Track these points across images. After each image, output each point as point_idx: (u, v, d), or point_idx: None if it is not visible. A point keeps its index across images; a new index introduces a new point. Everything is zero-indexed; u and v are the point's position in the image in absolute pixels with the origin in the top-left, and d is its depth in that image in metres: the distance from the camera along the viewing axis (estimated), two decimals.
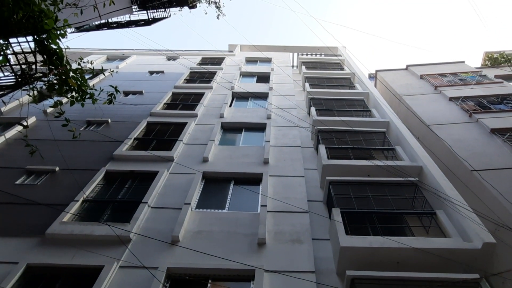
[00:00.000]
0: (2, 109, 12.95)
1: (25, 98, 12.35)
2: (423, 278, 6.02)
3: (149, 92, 15.82)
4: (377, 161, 9.34)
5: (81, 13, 5.59)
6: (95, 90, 5.53)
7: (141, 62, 21.50)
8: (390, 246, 6.47)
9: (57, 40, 4.48)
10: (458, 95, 14.57)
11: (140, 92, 15.81)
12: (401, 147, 10.51)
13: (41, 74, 4.96)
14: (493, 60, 20.26)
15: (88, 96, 5.30)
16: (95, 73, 17.53)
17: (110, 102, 5.90)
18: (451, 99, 14.49)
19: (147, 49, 23.46)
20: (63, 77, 4.67)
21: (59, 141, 10.35)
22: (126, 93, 15.79)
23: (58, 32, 4.45)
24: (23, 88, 5.06)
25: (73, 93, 5.08)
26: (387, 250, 6.48)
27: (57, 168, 9.53)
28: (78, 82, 4.98)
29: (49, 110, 12.81)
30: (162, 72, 19.18)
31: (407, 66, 19.81)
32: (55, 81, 4.82)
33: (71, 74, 4.86)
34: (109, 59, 22.53)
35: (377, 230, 7.24)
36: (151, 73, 19.17)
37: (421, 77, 17.75)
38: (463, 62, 19.50)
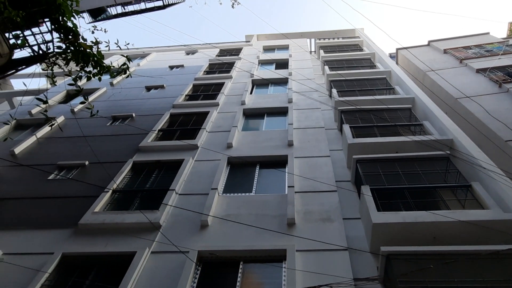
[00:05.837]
0: (32, 111, 13.40)
1: (55, 98, 12.70)
2: (464, 251, 5.63)
3: (171, 85, 15.96)
4: (405, 137, 9.04)
5: None
6: (113, 66, 5.58)
7: (161, 59, 21.70)
8: (425, 220, 6.23)
9: (72, 18, 4.54)
10: (486, 66, 13.93)
11: (162, 86, 15.95)
12: (429, 121, 10.12)
13: (57, 50, 5.03)
14: None
15: (106, 70, 5.35)
16: (117, 71, 17.82)
17: (125, 72, 5.91)
18: (478, 71, 13.86)
19: (166, 46, 23.65)
20: (78, 48, 4.72)
21: (87, 137, 10.64)
22: (148, 88, 16.00)
23: (72, 8, 4.47)
24: (42, 67, 5.16)
25: (90, 68, 5.16)
26: (422, 224, 6.22)
27: (86, 162, 9.78)
28: (94, 51, 5.03)
29: (78, 107, 13.13)
30: (182, 66, 19.30)
31: (429, 41, 19.09)
32: (70, 52, 4.88)
33: (87, 50, 4.91)
34: (130, 58, 22.82)
35: (409, 205, 6.98)
36: (171, 67, 19.32)
37: (445, 51, 17.07)
38: (488, 33, 18.59)
